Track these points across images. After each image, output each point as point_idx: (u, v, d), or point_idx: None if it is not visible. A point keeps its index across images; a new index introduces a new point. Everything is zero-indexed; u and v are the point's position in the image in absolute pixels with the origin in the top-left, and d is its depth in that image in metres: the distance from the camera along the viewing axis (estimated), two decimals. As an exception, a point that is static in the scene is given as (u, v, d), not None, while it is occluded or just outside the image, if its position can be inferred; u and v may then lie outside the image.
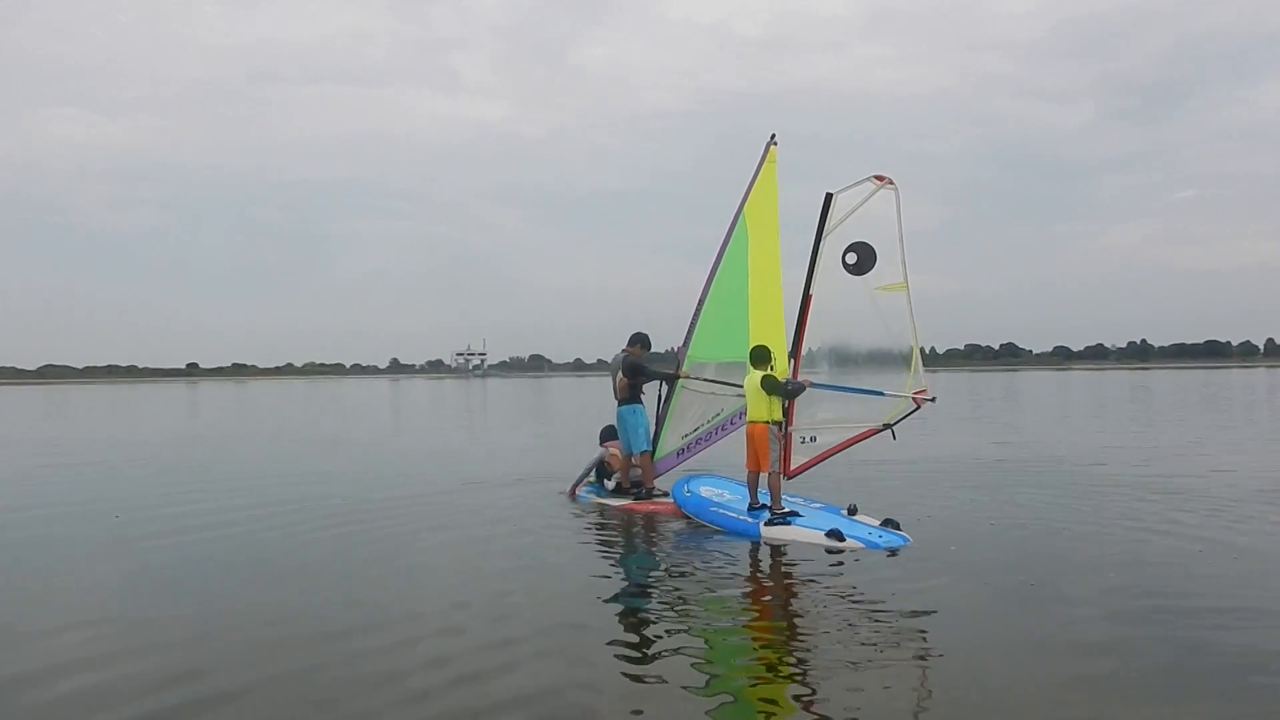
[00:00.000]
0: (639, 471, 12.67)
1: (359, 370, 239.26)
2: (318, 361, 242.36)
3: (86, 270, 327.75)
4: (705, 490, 11.62)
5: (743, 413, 11.13)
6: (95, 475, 18.42)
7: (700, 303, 12.50)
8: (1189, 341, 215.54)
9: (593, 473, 13.38)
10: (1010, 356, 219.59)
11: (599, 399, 54.99)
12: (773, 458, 10.48)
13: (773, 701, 5.76)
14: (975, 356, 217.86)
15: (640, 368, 12.48)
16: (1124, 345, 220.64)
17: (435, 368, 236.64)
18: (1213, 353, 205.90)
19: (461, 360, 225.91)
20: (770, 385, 10.48)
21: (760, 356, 10.71)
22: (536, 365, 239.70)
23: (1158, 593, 7.86)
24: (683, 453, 12.73)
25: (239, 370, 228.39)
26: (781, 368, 11.01)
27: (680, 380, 12.52)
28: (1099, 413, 36.45)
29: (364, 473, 17.62)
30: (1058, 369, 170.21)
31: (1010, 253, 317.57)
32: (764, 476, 10.69)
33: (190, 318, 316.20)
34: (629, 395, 12.45)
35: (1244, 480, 14.33)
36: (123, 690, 5.86)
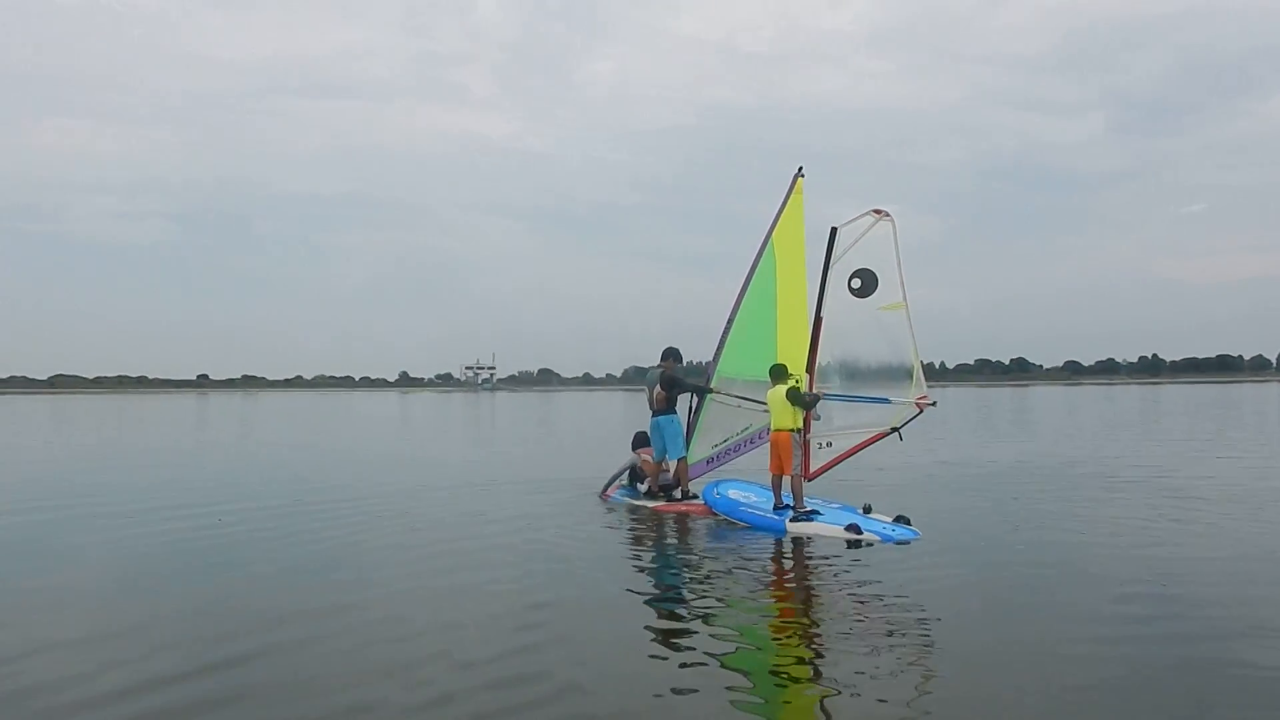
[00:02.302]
0: (668, 475, 13.75)
1: (368, 383, 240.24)
2: (327, 374, 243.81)
3: (96, 281, 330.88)
4: (734, 493, 12.70)
5: (769, 428, 12.25)
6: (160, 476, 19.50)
7: (729, 322, 13.61)
8: (1200, 356, 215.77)
9: (625, 477, 14.43)
10: (1020, 371, 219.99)
11: (610, 411, 56.14)
12: (795, 462, 11.61)
13: (794, 691, 6.22)
14: (985, 371, 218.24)
15: (677, 380, 13.58)
16: (1135, 360, 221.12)
17: (445, 381, 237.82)
18: (1224, 367, 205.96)
19: (471, 374, 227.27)
20: (795, 397, 11.67)
21: (779, 373, 11.97)
22: (545, 379, 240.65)
23: (1172, 601, 8.12)
24: (712, 461, 13.83)
25: (249, 382, 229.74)
26: (796, 378, 12.16)
27: (709, 393, 13.59)
28: (1114, 428, 37.27)
29: (397, 478, 18.60)
30: (1068, 384, 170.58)
31: (1018, 266, 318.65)
32: (787, 479, 11.80)
33: (200, 329, 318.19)
34: (666, 406, 13.54)
35: (1260, 493, 14.55)
36: (149, 682, 6.22)
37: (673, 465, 13.66)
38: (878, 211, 12.09)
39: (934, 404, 11.95)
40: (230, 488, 17.04)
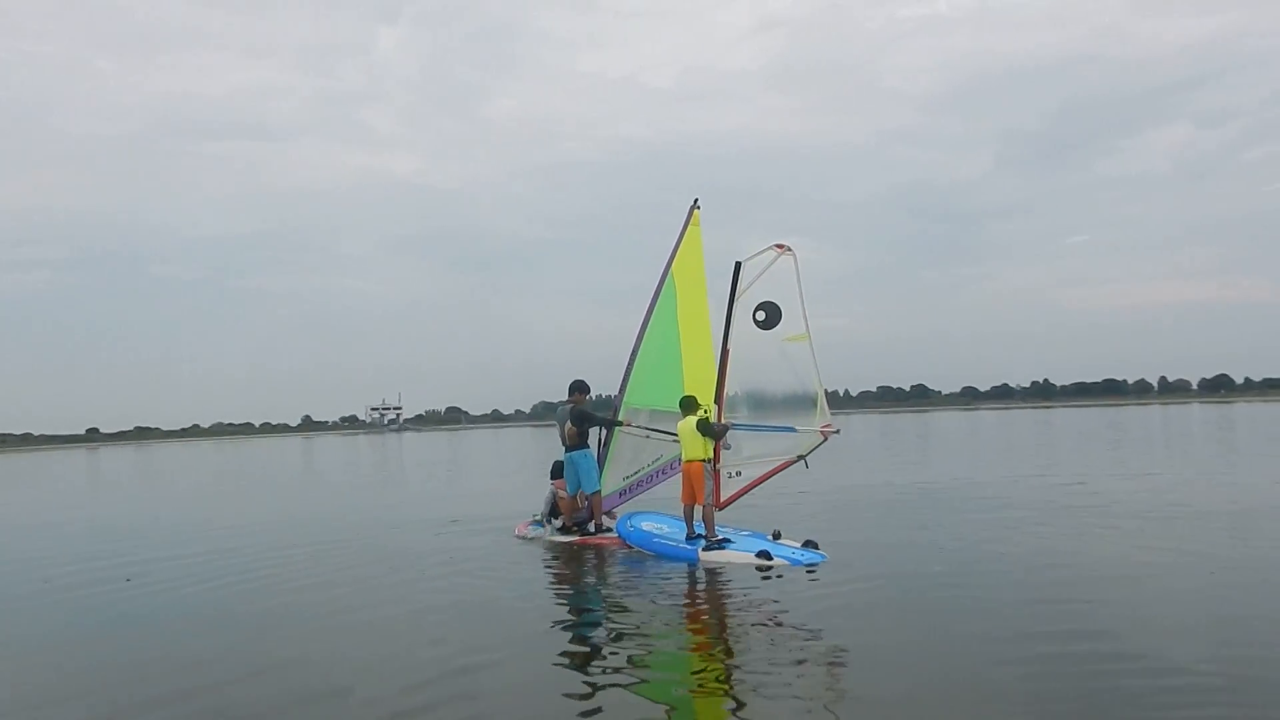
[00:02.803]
0: (581, 512, 13.86)
1: (269, 429, 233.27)
2: (226, 421, 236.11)
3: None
4: (646, 525, 12.91)
5: (680, 458, 12.49)
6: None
7: (633, 354, 13.84)
8: (1089, 380, 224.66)
9: (543, 511, 14.45)
10: (921, 398, 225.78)
11: (521, 449, 55.74)
12: (707, 491, 11.86)
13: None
14: (887, 398, 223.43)
15: (587, 415, 13.72)
16: (1028, 385, 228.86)
17: (350, 423, 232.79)
18: (1111, 391, 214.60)
19: (377, 415, 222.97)
20: (705, 428, 11.94)
21: (689, 405, 12.19)
22: (453, 418, 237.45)
23: (1066, 616, 8.38)
24: (625, 493, 14.02)
25: (142, 434, 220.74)
26: (705, 409, 12.44)
27: (619, 426, 13.78)
28: (1012, 451, 38.56)
29: (312, 519, 18.40)
30: (966, 409, 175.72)
31: (917, 297, 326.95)
32: (698, 509, 12.04)
33: (89, 381, 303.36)
34: (578, 441, 13.66)
35: (1161, 509, 15.07)
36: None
37: (587, 499, 13.77)
38: (780, 246, 12.52)
39: (838, 432, 12.36)
40: (138, 538, 16.52)
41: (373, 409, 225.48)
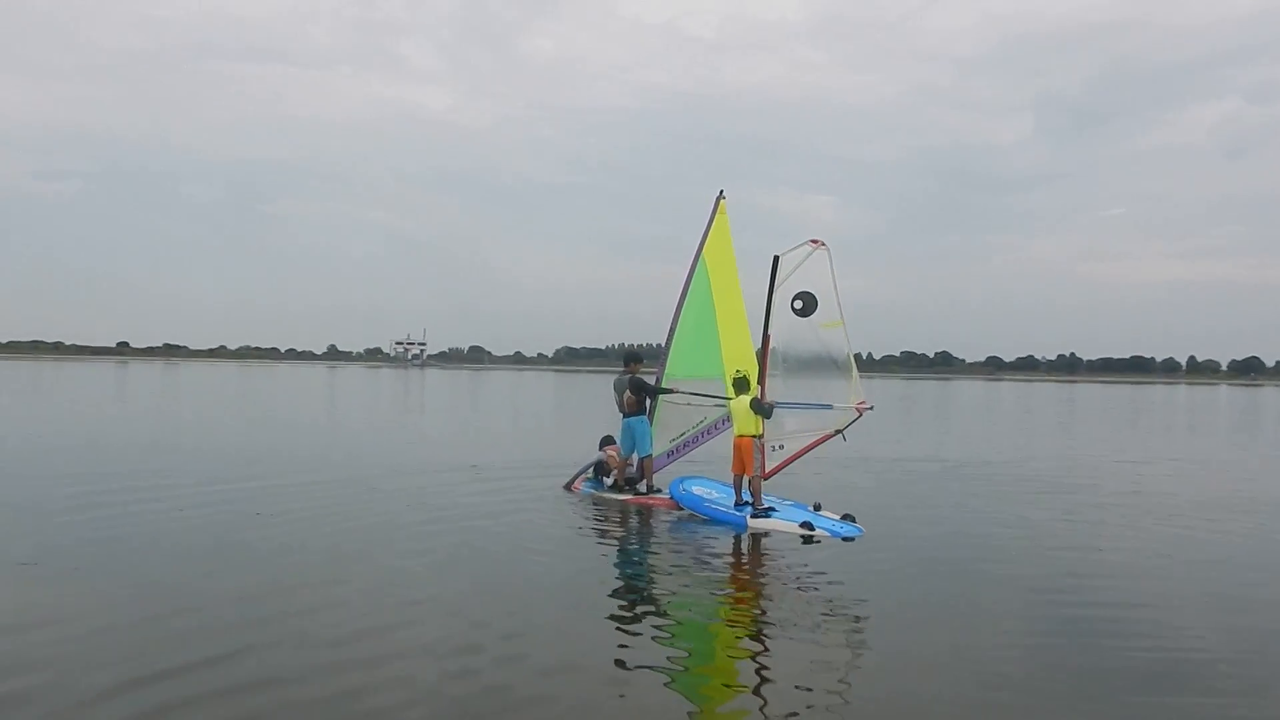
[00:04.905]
0: (632, 470, 14.93)
1: (294, 355, 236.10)
2: (252, 345, 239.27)
3: (9, 241, 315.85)
4: (697, 489, 13.97)
5: (723, 420, 13.93)
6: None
7: (671, 331, 15.18)
8: (1116, 356, 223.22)
9: (591, 471, 15.52)
10: (944, 365, 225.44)
11: (547, 396, 56.59)
12: (756, 464, 12.86)
13: (734, 676, 7.09)
14: (910, 363, 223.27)
15: (644, 385, 14.87)
16: (1054, 358, 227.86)
17: (373, 356, 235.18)
18: (1138, 368, 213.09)
19: (401, 349, 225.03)
20: (757, 407, 12.92)
21: (742, 385, 13.23)
22: (476, 357, 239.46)
23: (1079, 599, 9.20)
24: (671, 454, 15.12)
25: (171, 351, 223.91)
26: (755, 390, 13.41)
27: (668, 393, 14.91)
28: (1037, 426, 39.22)
29: (357, 459, 19.49)
30: (990, 379, 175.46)
31: (945, 262, 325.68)
32: (747, 479, 13.05)
33: (121, 295, 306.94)
34: (636, 409, 14.79)
35: (1172, 497, 16.25)
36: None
37: (637, 461, 14.87)
38: (814, 242, 13.57)
39: (871, 408, 13.34)
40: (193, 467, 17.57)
41: (397, 343, 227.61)
